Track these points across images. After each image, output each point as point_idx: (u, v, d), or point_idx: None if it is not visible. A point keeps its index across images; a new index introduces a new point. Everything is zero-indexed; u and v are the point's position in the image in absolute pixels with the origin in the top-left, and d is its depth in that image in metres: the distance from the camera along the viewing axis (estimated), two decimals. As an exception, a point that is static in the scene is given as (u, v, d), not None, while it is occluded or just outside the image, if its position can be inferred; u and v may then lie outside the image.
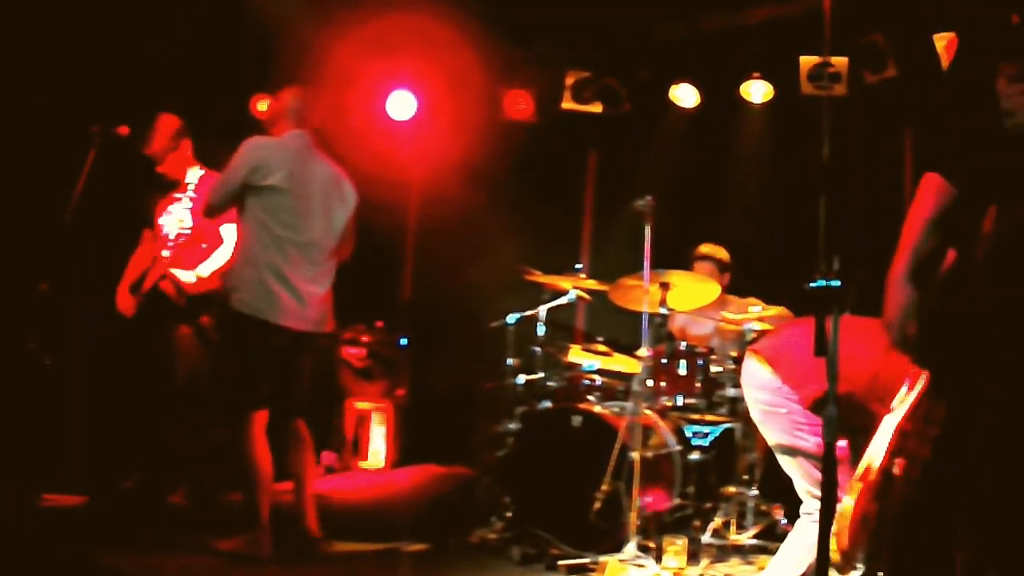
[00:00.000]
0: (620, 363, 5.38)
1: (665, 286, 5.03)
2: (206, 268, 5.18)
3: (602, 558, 4.46)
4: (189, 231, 5.24)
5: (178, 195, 5.30)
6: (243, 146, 4.49)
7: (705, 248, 5.75)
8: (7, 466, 4.74)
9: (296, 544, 4.49)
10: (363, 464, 6.84)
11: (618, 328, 5.65)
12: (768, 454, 4.18)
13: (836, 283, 2.25)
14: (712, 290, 5.25)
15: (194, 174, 5.35)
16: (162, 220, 5.29)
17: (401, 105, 7.05)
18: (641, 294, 4.90)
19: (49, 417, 5.17)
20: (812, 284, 2.26)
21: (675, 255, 5.37)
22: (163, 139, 5.25)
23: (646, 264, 4.77)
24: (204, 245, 5.23)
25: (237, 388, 4.38)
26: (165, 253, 5.22)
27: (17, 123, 5.69)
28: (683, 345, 5.11)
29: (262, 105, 7.02)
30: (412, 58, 6.93)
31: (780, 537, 4.29)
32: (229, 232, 5.12)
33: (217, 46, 6.29)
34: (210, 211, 4.61)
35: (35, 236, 4.90)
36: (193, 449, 5.18)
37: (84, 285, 5.40)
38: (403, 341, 7.12)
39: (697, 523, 4.95)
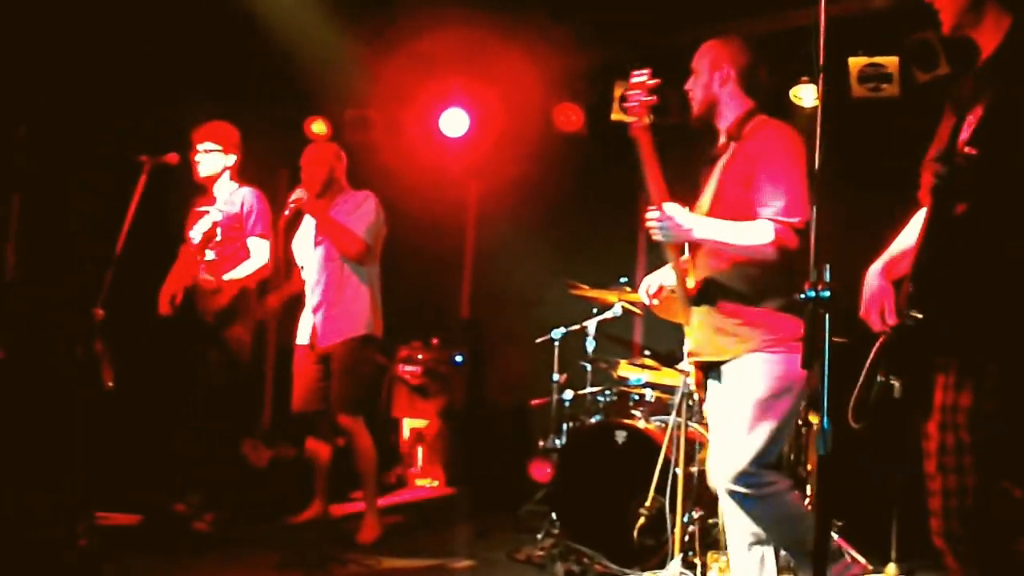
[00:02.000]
0: (669, 377, 5.30)
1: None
2: (235, 276, 5.23)
3: (647, 575, 4.40)
4: (218, 243, 5.27)
5: (207, 206, 5.34)
6: (374, 198, 5.25)
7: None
8: (64, 485, 4.85)
9: (339, 552, 4.70)
10: (418, 482, 6.87)
11: (672, 341, 5.57)
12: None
13: (826, 294, 2.17)
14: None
15: (226, 187, 5.39)
16: (193, 232, 5.32)
17: (454, 122, 7.07)
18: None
19: (107, 437, 5.29)
20: (802, 295, 2.17)
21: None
22: (221, 142, 5.33)
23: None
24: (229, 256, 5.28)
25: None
26: (197, 262, 5.28)
27: (66, 152, 5.86)
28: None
29: (318, 127, 7.10)
30: (463, 75, 6.96)
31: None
32: (258, 247, 5.24)
33: (267, 68, 6.38)
34: (366, 255, 5.14)
35: (89, 264, 5.01)
36: (221, 474, 5.30)
37: (134, 310, 5.51)
38: (459, 358, 7.12)
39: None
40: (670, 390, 5.27)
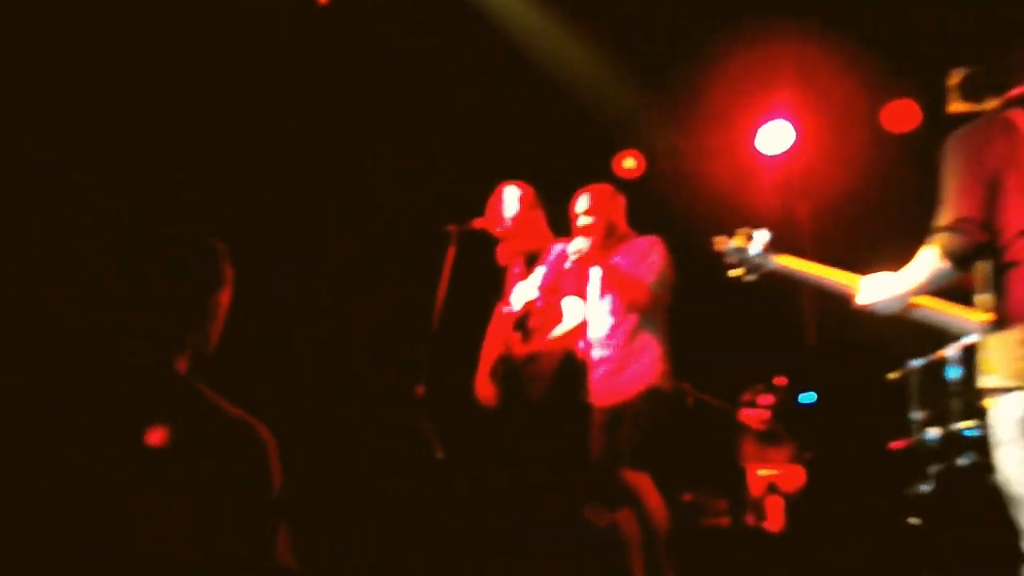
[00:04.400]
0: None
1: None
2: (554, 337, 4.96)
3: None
4: (535, 308, 5.03)
5: (529, 270, 5.11)
6: (661, 245, 4.78)
7: None
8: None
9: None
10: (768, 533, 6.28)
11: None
12: None
13: None
14: None
15: (547, 247, 5.09)
16: (512, 298, 5.12)
17: (774, 138, 6.53)
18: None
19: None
20: None
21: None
22: (515, 209, 5.02)
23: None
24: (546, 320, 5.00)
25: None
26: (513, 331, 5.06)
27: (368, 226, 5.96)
28: None
29: (628, 162, 6.78)
30: (778, 88, 6.43)
31: None
32: (573, 307, 4.92)
33: (566, 118, 6.24)
34: (656, 306, 4.74)
35: (403, 340, 5.02)
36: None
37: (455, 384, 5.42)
38: (805, 398, 6.48)
39: None
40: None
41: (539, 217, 5.12)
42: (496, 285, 5.31)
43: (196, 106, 5.08)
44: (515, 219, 5.05)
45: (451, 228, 4.84)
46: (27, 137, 4.15)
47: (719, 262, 3.24)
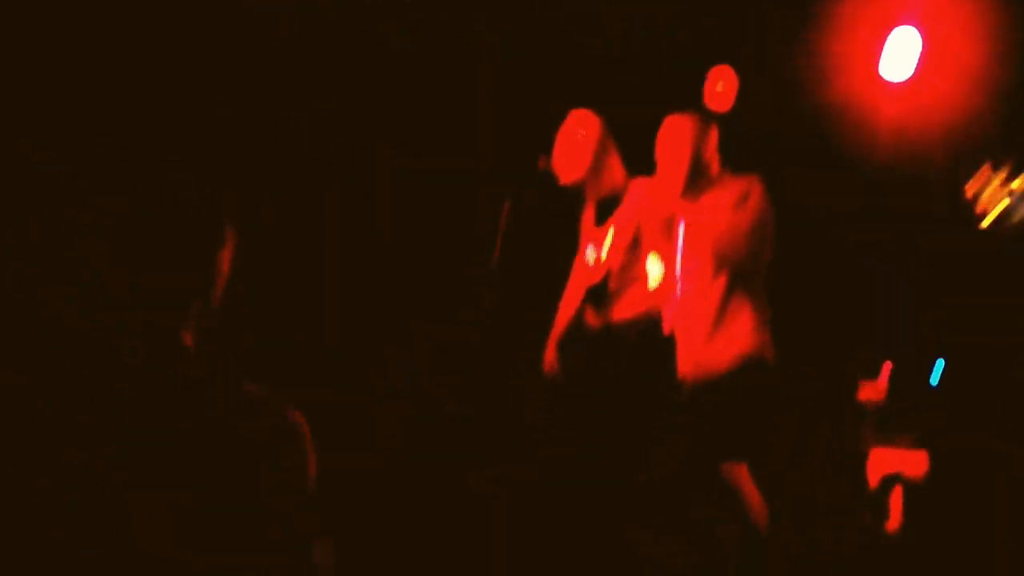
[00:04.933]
0: None
1: None
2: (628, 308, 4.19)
3: None
4: (611, 267, 4.20)
5: (604, 222, 4.29)
6: (759, 187, 3.90)
7: None
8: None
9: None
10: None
11: None
12: None
13: None
14: None
15: (625, 190, 4.27)
16: (587, 253, 4.32)
17: (903, 60, 5.07)
18: None
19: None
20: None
21: None
22: (586, 145, 4.20)
23: None
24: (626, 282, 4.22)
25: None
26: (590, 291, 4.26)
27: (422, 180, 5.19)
28: None
29: (721, 85, 5.67)
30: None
31: None
32: (655, 265, 4.09)
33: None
34: (751, 261, 3.90)
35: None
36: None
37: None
38: (934, 377, 5.53)
39: None
40: None
41: (613, 154, 4.28)
42: (568, 238, 4.52)
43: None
44: (586, 157, 4.22)
45: (511, 170, 4.10)
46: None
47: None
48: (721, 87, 5.27)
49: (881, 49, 5.06)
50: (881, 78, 5.10)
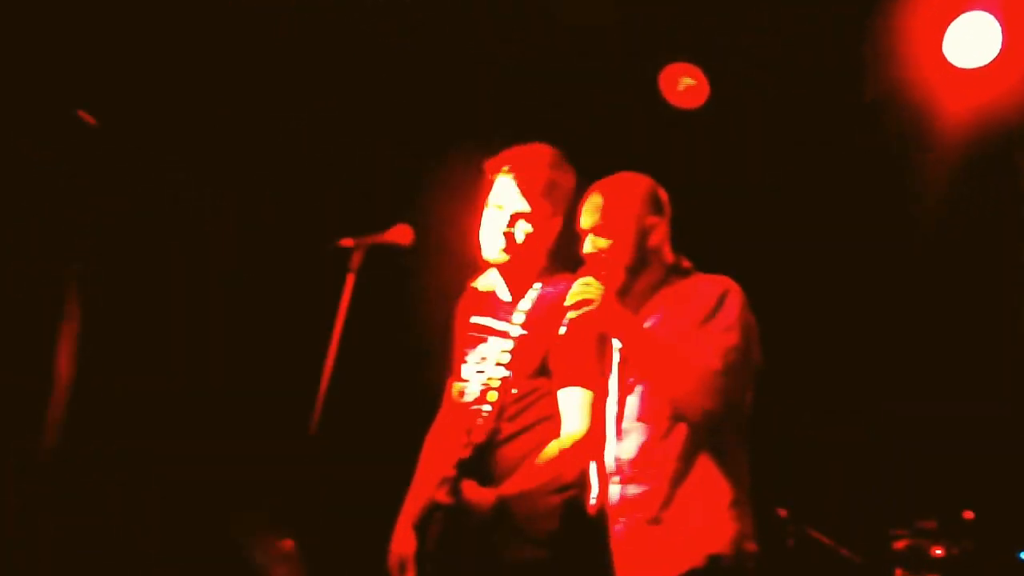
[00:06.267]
0: None
1: None
2: (546, 460, 2.74)
3: None
4: (507, 396, 2.67)
5: (495, 326, 2.90)
6: (736, 290, 2.66)
7: None
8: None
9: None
10: None
11: None
12: None
13: None
14: None
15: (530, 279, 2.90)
16: (465, 371, 2.96)
17: (976, 42, 3.94)
18: None
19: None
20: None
21: None
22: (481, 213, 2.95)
23: None
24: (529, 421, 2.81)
25: None
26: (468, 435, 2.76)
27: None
28: None
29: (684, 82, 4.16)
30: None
31: None
32: (571, 401, 2.75)
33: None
34: (723, 407, 2.56)
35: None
36: None
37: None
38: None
39: None
40: None
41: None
42: (436, 347, 3.20)
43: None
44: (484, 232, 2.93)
45: (346, 243, 2.87)
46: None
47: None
48: (685, 83, 4.17)
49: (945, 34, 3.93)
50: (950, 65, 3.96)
